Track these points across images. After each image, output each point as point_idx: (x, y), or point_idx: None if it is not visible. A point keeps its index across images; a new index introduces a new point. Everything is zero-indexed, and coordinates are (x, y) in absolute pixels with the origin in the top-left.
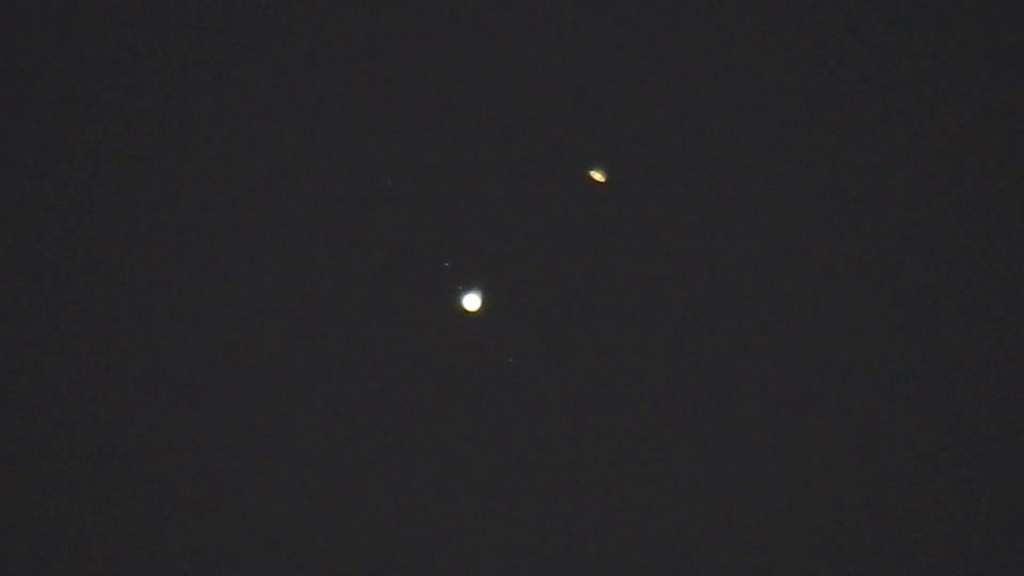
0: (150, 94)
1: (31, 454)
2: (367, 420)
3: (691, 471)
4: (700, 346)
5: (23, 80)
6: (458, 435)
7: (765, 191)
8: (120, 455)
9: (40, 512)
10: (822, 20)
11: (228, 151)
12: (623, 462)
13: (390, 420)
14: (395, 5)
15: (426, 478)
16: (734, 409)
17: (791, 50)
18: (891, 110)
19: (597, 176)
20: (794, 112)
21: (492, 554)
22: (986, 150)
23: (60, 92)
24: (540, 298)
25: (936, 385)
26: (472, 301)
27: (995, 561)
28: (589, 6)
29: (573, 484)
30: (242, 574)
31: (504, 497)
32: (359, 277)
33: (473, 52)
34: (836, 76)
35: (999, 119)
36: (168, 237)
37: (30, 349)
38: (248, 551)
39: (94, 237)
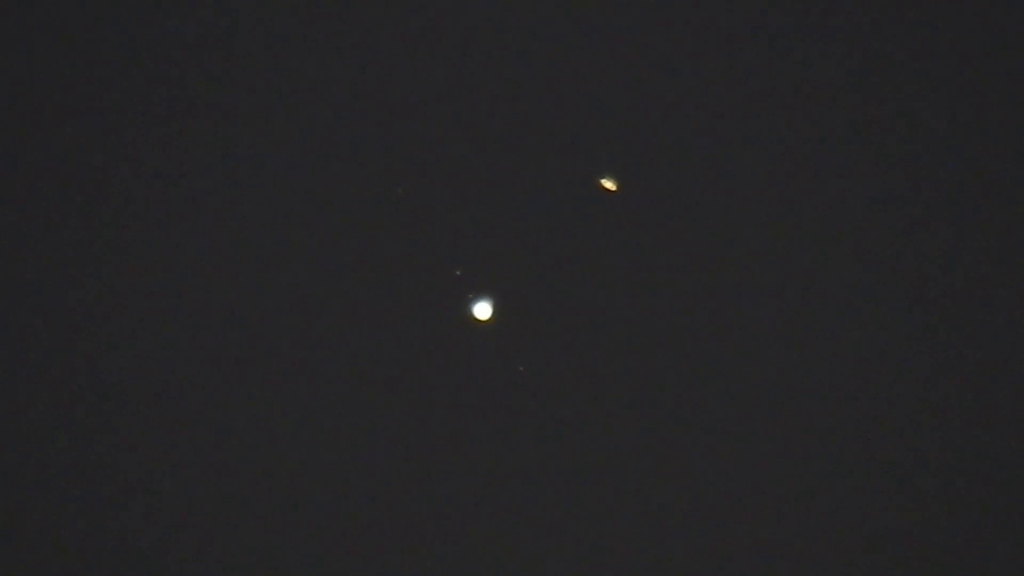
0: (168, 109)
1: (32, 455)
2: (377, 428)
3: (703, 481)
4: (713, 357)
5: (23, 80)
6: (469, 444)
7: (780, 200)
8: (132, 458)
9: (40, 512)
10: (832, 24)
11: (240, 160)
12: (634, 471)
13: (400, 428)
14: (415, 15)
15: (436, 486)
16: (746, 419)
17: (801, 57)
18: (903, 117)
19: (608, 184)
20: (808, 116)
21: (503, 562)
22: (988, 151)
23: (60, 92)
24: (551, 307)
25: (937, 387)
26: (483, 310)
27: (994, 561)
28: (602, 17)
29: (583, 493)
30: None
31: (514, 505)
32: (370, 285)
33: (486, 62)
34: (850, 82)
35: (999, 119)
36: (177, 243)
37: (31, 350)
38: (269, 561)
39: (118, 241)
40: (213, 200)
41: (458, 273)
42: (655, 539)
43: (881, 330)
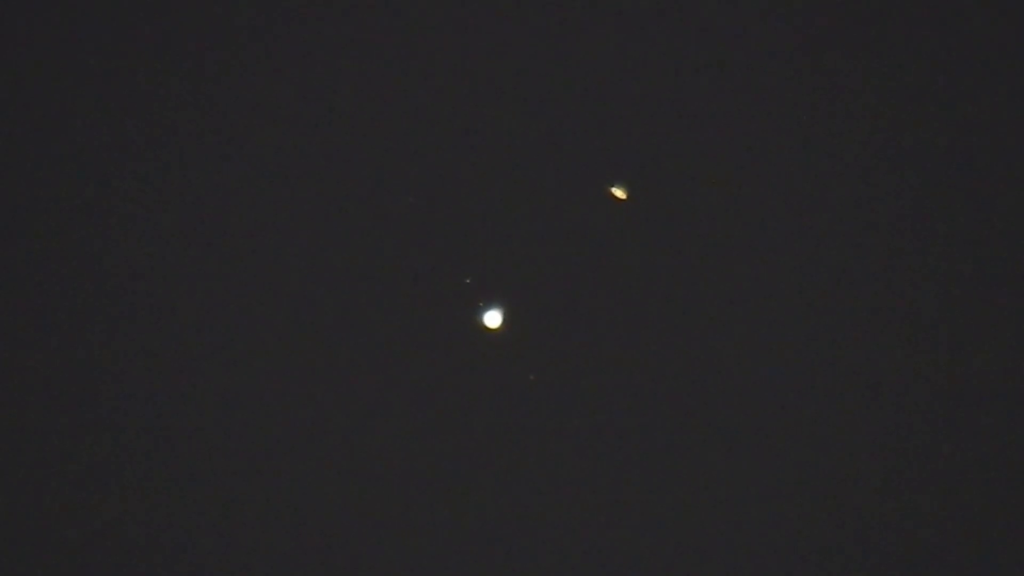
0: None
1: (32, 455)
2: (387, 436)
3: (714, 491)
4: (726, 367)
5: (23, 80)
6: (479, 452)
7: (793, 210)
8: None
9: (40, 513)
10: (845, 32)
11: (249, 170)
12: (645, 480)
13: (410, 436)
14: (431, 23)
15: (446, 495)
16: (760, 429)
17: (813, 65)
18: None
19: (618, 193)
20: (820, 122)
21: (514, 568)
22: (989, 152)
23: (59, 93)
24: (561, 315)
25: (941, 391)
26: (493, 318)
27: (993, 561)
28: (615, 27)
29: (594, 501)
30: None
31: (525, 514)
32: (380, 293)
33: (498, 70)
34: (862, 91)
35: (999, 120)
36: (187, 254)
37: (32, 350)
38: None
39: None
40: (220, 210)
41: (468, 281)
42: (664, 547)
43: (899, 346)
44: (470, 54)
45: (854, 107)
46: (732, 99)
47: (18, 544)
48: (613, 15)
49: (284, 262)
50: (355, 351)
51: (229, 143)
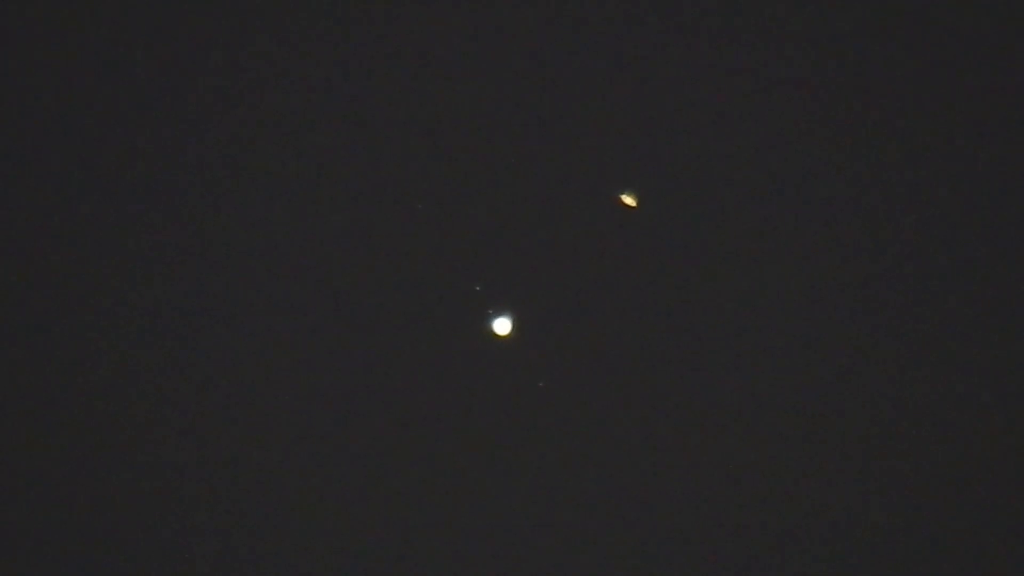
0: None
1: (34, 456)
2: (396, 443)
3: (722, 496)
4: (735, 374)
5: (23, 80)
6: (489, 459)
7: (804, 216)
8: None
9: (42, 513)
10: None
11: (260, 175)
12: (653, 486)
13: (420, 443)
14: (442, 32)
15: (456, 502)
16: (768, 435)
17: (821, 67)
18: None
19: (628, 200)
20: (830, 124)
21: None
22: (991, 152)
23: (61, 93)
24: (571, 322)
25: (943, 393)
26: (503, 325)
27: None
28: (626, 39)
29: (602, 507)
30: None
31: (533, 520)
32: (389, 301)
33: (509, 79)
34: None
35: (999, 120)
36: (193, 255)
37: (34, 351)
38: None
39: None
40: (229, 219)
41: (478, 289)
42: (670, 552)
43: (900, 347)
44: (484, 62)
45: (866, 111)
46: (741, 104)
47: (17, 544)
48: (621, 21)
49: (292, 267)
50: (364, 357)
51: (238, 151)
